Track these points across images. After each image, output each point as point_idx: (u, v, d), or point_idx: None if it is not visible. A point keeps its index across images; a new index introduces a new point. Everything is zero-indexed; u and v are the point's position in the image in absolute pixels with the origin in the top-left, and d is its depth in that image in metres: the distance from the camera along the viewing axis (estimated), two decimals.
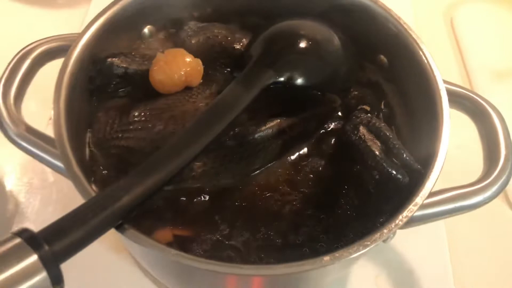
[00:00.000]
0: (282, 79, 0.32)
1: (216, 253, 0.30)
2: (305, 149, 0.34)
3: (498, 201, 0.47)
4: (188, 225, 0.32)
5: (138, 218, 0.28)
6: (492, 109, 0.34)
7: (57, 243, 0.23)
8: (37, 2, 0.57)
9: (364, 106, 0.34)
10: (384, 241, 0.29)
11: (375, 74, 0.38)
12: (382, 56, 0.37)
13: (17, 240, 0.22)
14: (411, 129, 0.35)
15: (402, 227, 0.30)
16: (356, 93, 0.36)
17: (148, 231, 0.30)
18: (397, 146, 0.29)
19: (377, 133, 0.29)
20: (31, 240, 0.22)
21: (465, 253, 0.44)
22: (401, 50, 0.35)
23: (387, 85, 0.37)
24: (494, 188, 0.31)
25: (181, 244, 0.31)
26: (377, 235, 0.26)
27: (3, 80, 0.33)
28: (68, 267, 0.36)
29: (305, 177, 0.33)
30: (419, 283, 0.42)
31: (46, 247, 0.22)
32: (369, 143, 0.29)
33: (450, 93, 0.35)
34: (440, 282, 0.42)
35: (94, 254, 0.41)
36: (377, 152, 0.29)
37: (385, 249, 0.44)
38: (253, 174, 0.33)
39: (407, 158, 0.29)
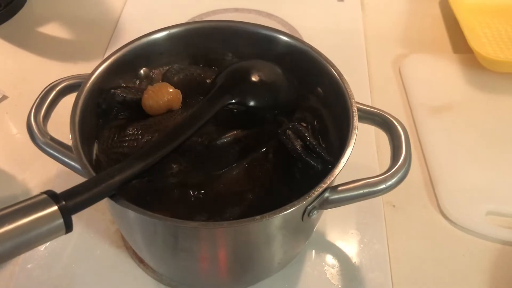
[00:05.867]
0: (235, 100, 0.44)
1: None
2: (257, 154, 0.44)
3: (432, 210, 0.56)
4: (169, 209, 0.42)
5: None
6: (397, 122, 0.44)
7: (70, 201, 0.33)
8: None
9: (302, 123, 0.45)
10: (309, 214, 0.40)
11: (315, 102, 0.49)
12: (319, 88, 0.49)
13: (44, 196, 0.33)
14: (340, 139, 0.45)
15: (323, 207, 0.41)
16: (299, 115, 0.47)
17: None
18: (313, 143, 0.40)
19: (298, 134, 0.40)
20: (54, 197, 0.32)
21: (402, 251, 0.53)
22: (331, 82, 0.47)
23: (323, 109, 0.48)
24: (393, 179, 0.40)
25: None
26: (295, 203, 0.37)
27: (34, 105, 0.44)
28: (78, 259, 0.47)
29: (257, 173, 0.43)
30: (361, 276, 0.52)
31: (64, 202, 0.32)
32: (293, 141, 0.40)
33: (367, 112, 0.46)
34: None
35: (99, 246, 0.52)
36: (298, 147, 0.40)
37: (333, 247, 0.54)
38: (220, 172, 0.43)
39: (320, 151, 0.40)
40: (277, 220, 0.38)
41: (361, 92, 0.68)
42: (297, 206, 0.37)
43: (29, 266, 0.51)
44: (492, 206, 0.55)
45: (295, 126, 0.41)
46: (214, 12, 0.81)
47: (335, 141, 0.46)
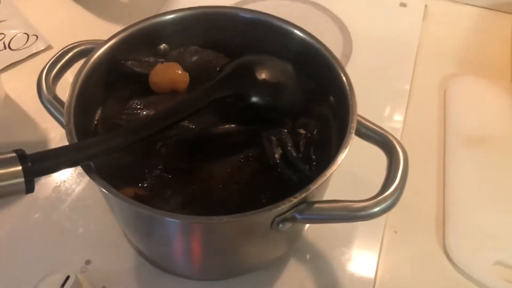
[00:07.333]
0: (232, 93, 0.42)
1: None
2: (245, 154, 0.43)
3: (436, 246, 0.52)
4: (148, 189, 0.42)
5: (112, 179, 0.38)
6: (400, 147, 0.41)
7: (38, 164, 0.34)
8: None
9: (300, 130, 0.43)
10: (278, 225, 0.38)
11: (326, 110, 0.47)
12: (331, 97, 0.47)
13: (13, 155, 0.34)
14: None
15: (297, 221, 0.39)
16: (304, 120, 0.45)
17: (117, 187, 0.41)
18: (292, 154, 0.38)
19: (281, 142, 0.39)
20: (22, 157, 0.33)
21: (391, 283, 0.50)
22: (340, 92, 0.44)
23: (333, 119, 0.46)
24: (377, 208, 0.37)
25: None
26: (260, 211, 0.35)
27: (49, 63, 0.46)
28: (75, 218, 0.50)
29: (239, 173, 0.42)
30: None
31: (29, 164, 0.34)
32: (273, 148, 0.38)
33: (369, 130, 0.43)
34: None
35: (93, 208, 0.53)
36: (276, 155, 0.38)
37: (319, 260, 0.52)
38: (204, 163, 0.43)
39: (298, 164, 0.38)
40: (239, 224, 0.37)
41: (396, 105, 0.64)
42: (259, 215, 0.36)
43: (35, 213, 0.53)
44: (502, 256, 0.50)
45: (280, 132, 0.39)
46: None
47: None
